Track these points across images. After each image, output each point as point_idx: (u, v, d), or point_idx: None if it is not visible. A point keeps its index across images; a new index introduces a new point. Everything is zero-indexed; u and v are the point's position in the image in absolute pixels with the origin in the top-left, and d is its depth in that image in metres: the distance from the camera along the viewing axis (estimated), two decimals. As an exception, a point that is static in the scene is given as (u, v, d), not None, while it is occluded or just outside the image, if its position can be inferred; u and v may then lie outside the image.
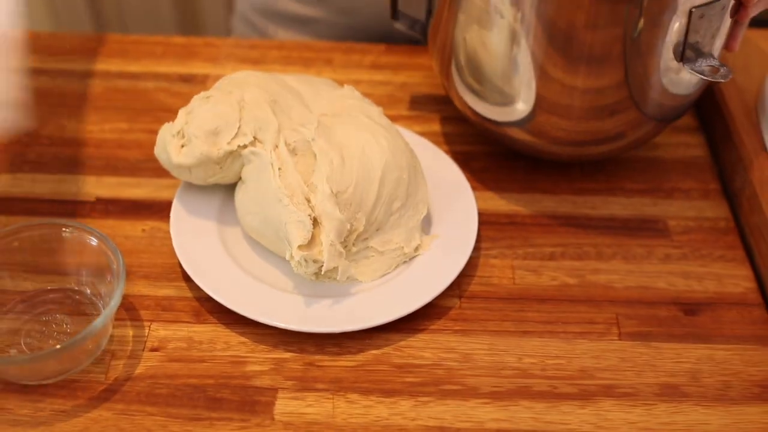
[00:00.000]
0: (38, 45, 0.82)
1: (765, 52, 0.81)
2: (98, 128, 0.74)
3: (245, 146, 0.60)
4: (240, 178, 0.62)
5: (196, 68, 0.81)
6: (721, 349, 0.60)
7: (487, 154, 0.73)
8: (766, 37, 0.83)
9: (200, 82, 0.79)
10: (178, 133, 0.61)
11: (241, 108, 0.60)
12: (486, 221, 0.67)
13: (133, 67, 0.80)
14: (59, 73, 0.79)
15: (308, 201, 0.57)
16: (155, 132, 0.65)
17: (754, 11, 0.63)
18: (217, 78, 0.76)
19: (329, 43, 0.85)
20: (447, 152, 0.72)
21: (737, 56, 0.79)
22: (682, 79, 0.64)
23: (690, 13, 0.59)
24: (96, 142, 0.73)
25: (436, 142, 0.73)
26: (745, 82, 0.77)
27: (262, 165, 0.59)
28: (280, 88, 0.63)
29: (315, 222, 0.57)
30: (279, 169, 0.58)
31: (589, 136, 0.67)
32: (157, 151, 0.63)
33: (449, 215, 0.65)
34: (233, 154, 0.61)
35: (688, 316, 0.62)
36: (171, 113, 0.65)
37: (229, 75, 0.66)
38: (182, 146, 0.61)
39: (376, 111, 0.65)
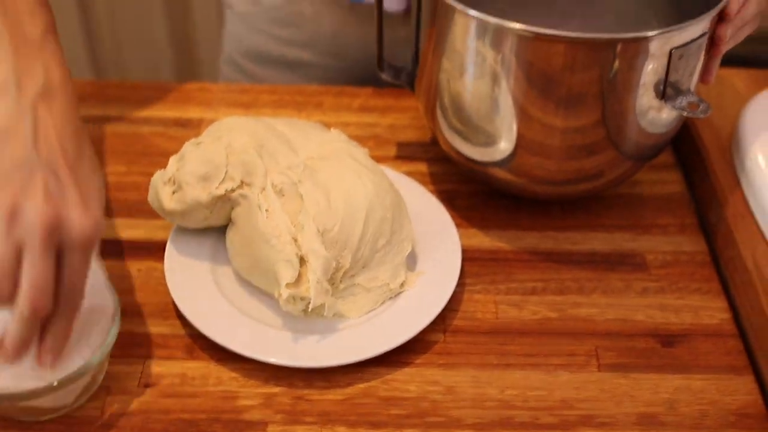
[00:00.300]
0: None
1: (739, 90, 0.84)
2: (96, 171, 0.77)
3: (233, 190, 0.63)
4: (230, 220, 0.65)
5: (191, 112, 0.84)
6: (698, 379, 0.62)
7: (471, 192, 0.76)
8: (740, 75, 0.86)
9: (195, 126, 0.82)
10: (170, 179, 0.64)
11: (228, 153, 0.63)
12: (470, 257, 0.70)
13: (131, 112, 0.83)
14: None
15: (295, 240, 0.60)
16: (152, 175, 0.67)
17: (726, 48, 0.66)
18: (211, 122, 0.79)
19: (319, 87, 0.88)
20: (433, 191, 0.75)
21: (712, 95, 0.82)
22: (659, 118, 0.67)
23: (670, 54, 0.62)
24: (94, 185, 0.75)
25: (423, 182, 0.75)
26: (720, 120, 0.80)
27: (250, 207, 0.62)
28: (267, 133, 0.66)
29: (302, 260, 0.59)
30: (266, 210, 0.61)
31: (569, 175, 0.69)
32: (150, 198, 0.65)
33: (434, 252, 0.68)
34: (222, 198, 0.63)
35: (666, 348, 0.64)
36: (167, 156, 0.68)
37: (218, 121, 0.68)
38: (174, 192, 0.63)
39: (361, 153, 0.67)
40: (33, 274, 0.49)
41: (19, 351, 0.51)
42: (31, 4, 0.58)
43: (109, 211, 0.73)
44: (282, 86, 0.88)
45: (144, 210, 0.72)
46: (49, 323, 0.52)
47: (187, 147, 0.65)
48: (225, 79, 1.04)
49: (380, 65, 0.76)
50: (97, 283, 0.59)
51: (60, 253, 0.50)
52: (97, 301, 0.58)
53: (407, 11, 0.86)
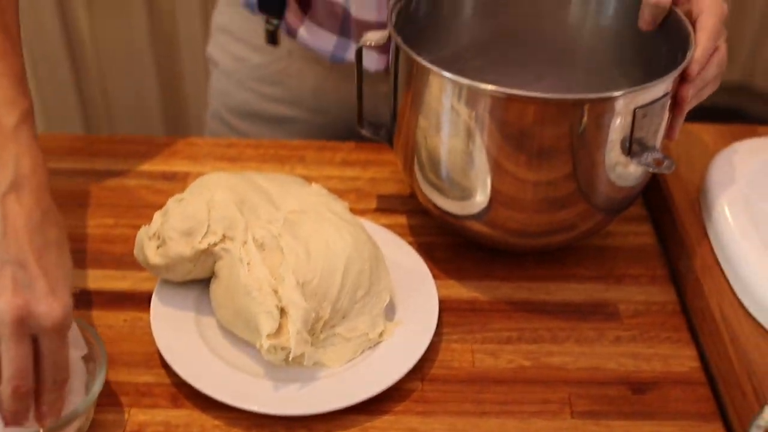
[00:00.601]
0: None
1: (706, 144, 0.87)
2: (86, 224, 0.79)
3: (216, 244, 0.65)
4: (213, 273, 0.67)
5: (178, 166, 0.86)
6: (668, 425, 0.64)
7: (449, 244, 0.78)
8: (708, 130, 0.89)
9: (181, 180, 0.84)
10: (154, 234, 0.66)
11: (210, 209, 0.66)
12: (447, 308, 0.72)
13: (120, 166, 0.86)
14: (49, 172, 0.84)
15: (276, 292, 0.62)
16: (138, 227, 0.69)
17: (689, 107, 0.70)
18: (197, 175, 0.82)
19: (302, 141, 0.91)
20: (411, 243, 0.77)
21: (681, 148, 0.86)
22: (628, 172, 0.70)
23: (634, 113, 0.65)
24: (83, 237, 0.77)
25: (402, 234, 0.78)
26: (688, 173, 0.83)
27: (232, 260, 0.64)
28: (248, 188, 0.68)
29: (282, 312, 0.61)
30: (248, 263, 0.63)
31: (542, 227, 0.72)
32: (136, 253, 0.68)
33: (412, 302, 0.70)
34: (205, 252, 0.66)
35: (637, 395, 0.66)
36: (154, 209, 0.70)
37: (201, 177, 0.71)
38: (158, 247, 0.66)
39: (341, 206, 0.70)
40: (8, 360, 0.54)
41: (15, 422, 0.56)
42: (10, 92, 0.62)
43: (97, 263, 0.75)
44: (266, 141, 0.91)
45: (130, 262, 0.74)
46: (41, 395, 0.56)
47: (171, 203, 0.67)
48: (211, 133, 1.07)
49: (360, 122, 0.79)
50: (84, 333, 0.61)
51: (36, 337, 0.55)
52: (83, 351, 0.60)
53: (386, 69, 0.90)
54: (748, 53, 2.57)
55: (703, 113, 0.76)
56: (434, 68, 0.65)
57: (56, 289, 0.56)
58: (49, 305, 0.55)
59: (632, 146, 0.67)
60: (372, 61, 0.90)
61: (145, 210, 0.80)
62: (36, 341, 0.55)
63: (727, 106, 2.75)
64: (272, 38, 0.96)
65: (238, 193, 0.67)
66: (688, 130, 0.88)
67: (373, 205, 0.82)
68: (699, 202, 0.80)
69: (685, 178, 0.83)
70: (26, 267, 0.55)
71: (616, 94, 0.63)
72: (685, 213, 0.79)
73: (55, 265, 0.57)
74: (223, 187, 0.67)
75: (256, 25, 0.96)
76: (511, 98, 0.64)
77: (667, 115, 0.68)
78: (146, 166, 0.86)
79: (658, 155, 0.67)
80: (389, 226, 0.78)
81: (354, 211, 0.80)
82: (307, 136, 1.01)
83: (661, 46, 0.73)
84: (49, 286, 0.55)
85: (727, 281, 0.71)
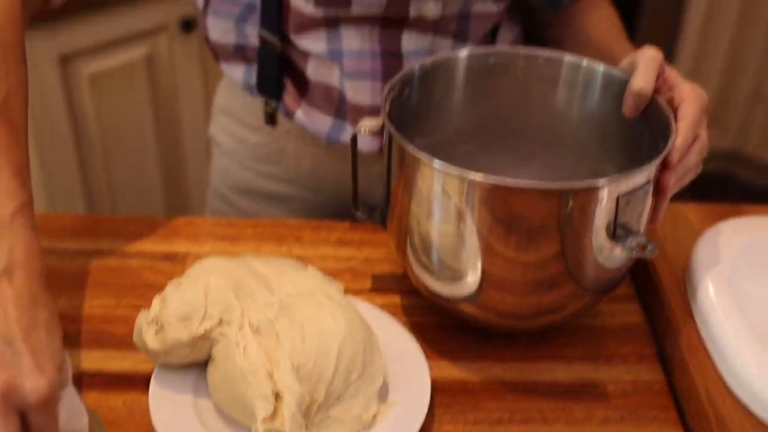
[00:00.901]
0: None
1: (692, 224, 0.90)
2: (87, 304, 0.81)
3: (212, 329, 0.67)
4: (211, 357, 0.69)
5: (179, 246, 0.88)
6: (657, 506, 0.65)
7: (441, 325, 0.80)
8: (694, 209, 0.92)
9: (181, 260, 0.86)
10: (153, 320, 0.68)
11: (206, 294, 0.68)
12: (440, 389, 0.74)
13: (122, 246, 0.88)
14: (53, 252, 0.87)
15: (271, 376, 0.64)
16: (139, 308, 0.71)
17: (671, 193, 0.72)
18: (197, 255, 0.84)
19: (299, 221, 0.94)
20: (405, 323, 0.79)
21: (667, 228, 0.88)
22: (614, 255, 0.72)
23: (617, 200, 0.67)
24: (84, 317, 0.79)
25: (395, 314, 0.80)
26: (674, 252, 0.85)
27: (228, 345, 0.66)
28: (244, 273, 0.71)
29: (277, 395, 0.63)
30: (244, 348, 0.65)
31: (532, 309, 0.74)
32: (135, 338, 0.70)
33: (405, 384, 0.71)
34: (202, 337, 0.67)
35: (625, 476, 0.67)
36: (154, 290, 0.72)
37: (199, 262, 0.73)
38: (156, 333, 0.68)
39: (335, 290, 0.72)
40: None
41: None
42: (10, 184, 0.64)
43: (97, 343, 0.77)
44: (264, 220, 0.93)
45: (130, 342, 0.75)
46: None
47: (169, 288, 0.70)
48: (212, 211, 1.10)
49: (355, 204, 0.82)
50: (84, 414, 0.63)
51: (24, 412, 0.56)
52: (85, 418, 0.62)
53: (380, 151, 0.93)
54: (740, 121, 2.62)
55: (696, 180, 0.78)
56: (424, 157, 0.68)
57: (42, 366, 0.57)
58: (35, 381, 0.56)
59: (617, 231, 0.69)
60: (366, 144, 0.93)
61: (146, 290, 0.82)
62: (25, 418, 0.56)
63: (719, 172, 2.80)
64: (271, 119, 0.99)
65: (235, 278, 0.70)
66: (674, 210, 0.91)
67: (368, 284, 0.84)
68: (685, 281, 0.82)
69: (672, 257, 0.85)
70: (13, 344, 0.57)
71: (600, 183, 0.66)
72: (672, 292, 0.81)
73: (43, 344, 0.58)
74: (219, 272, 0.70)
75: (255, 106, 1.00)
76: (499, 187, 0.66)
77: (649, 200, 0.71)
78: (148, 246, 0.88)
79: (641, 240, 0.69)
80: (383, 306, 0.80)
81: (349, 290, 0.82)
82: (305, 213, 1.04)
83: (645, 133, 0.76)
84: (35, 362, 0.56)
85: (712, 361, 0.73)
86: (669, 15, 2.52)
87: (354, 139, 0.78)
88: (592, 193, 0.66)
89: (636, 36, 2.54)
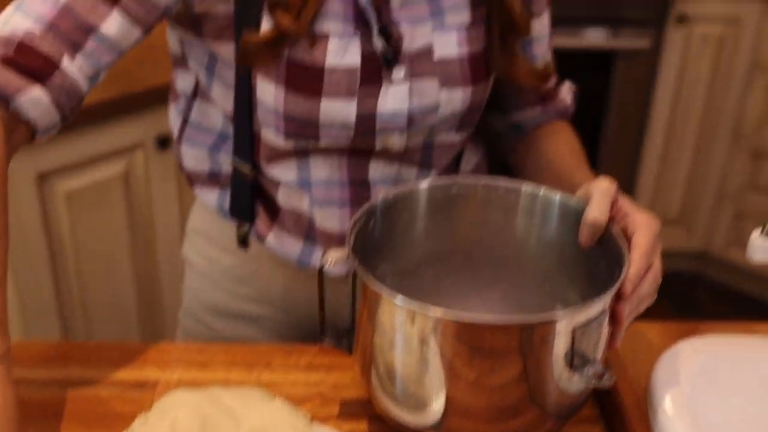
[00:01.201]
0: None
1: (652, 343, 0.92)
2: (56, 435, 0.81)
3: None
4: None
5: (149, 373, 0.89)
6: None
7: (408, 451, 0.81)
8: (654, 329, 0.94)
9: (151, 388, 0.87)
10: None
11: (173, 430, 0.69)
12: None
13: (92, 374, 0.88)
14: (23, 381, 0.87)
15: None
16: (108, 440, 0.72)
17: (627, 322, 0.75)
18: (168, 382, 0.85)
19: (271, 345, 0.95)
20: (372, 450, 0.80)
21: (627, 348, 0.90)
22: (574, 382, 0.74)
23: (573, 331, 0.70)
24: (53, 450, 0.80)
25: (363, 441, 0.81)
26: (635, 372, 0.87)
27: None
28: (211, 407, 0.72)
29: None
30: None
31: (497, 435, 0.75)
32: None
33: None
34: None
35: None
36: (123, 421, 0.73)
37: (167, 395, 0.75)
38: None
39: (302, 422, 0.74)
40: None
41: None
42: None
43: (66, 477, 0.77)
44: (235, 345, 0.95)
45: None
46: None
47: (136, 424, 0.71)
48: (184, 331, 1.11)
49: (322, 331, 0.84)
50: None
51: None
52: None
53: (348, 273, 0.95)
54: (706, 223, 2.68)
55: (665, 281, 0.79)
56: (386, 292, 0.70)
57: None
58: None
59: (574, 359, 0.71)
60: (336, 267, 0.95)
61: (114, 421, 0.82)
62: None
63: (688, 271, 2.86)
64: (243, 241, 1.02)
65: (201, 412, 0.71)
66: (635, 329, 0.93)
67: (336, 410, 0.85)
68: (646, 401, 0.83)
69: (632, 376, 0.87)
70: None
71: (556, 316, 0.69)
72: (633, 412, 0.83)
73: None
74: (186, 407, 0.71)
75: (228, 229, 1.03)
76: (460, 323, 0.69)
77: (605, 329, 0.73)
78: (118, 374, 0.89)
79: (598, 368, 0.71)
80: (351, 432, 0.81)
81: (317, 416, 0.83)
82: (278, 332, 1.06)
83: (601, 261, 0.79)
84: None
85: (674, 485, 0.74)
86: (633, 122, 2.61)
87: (320, 270, 0.80)
88: (549, 326, 0.69)
89: (601, 146, 2.62)
